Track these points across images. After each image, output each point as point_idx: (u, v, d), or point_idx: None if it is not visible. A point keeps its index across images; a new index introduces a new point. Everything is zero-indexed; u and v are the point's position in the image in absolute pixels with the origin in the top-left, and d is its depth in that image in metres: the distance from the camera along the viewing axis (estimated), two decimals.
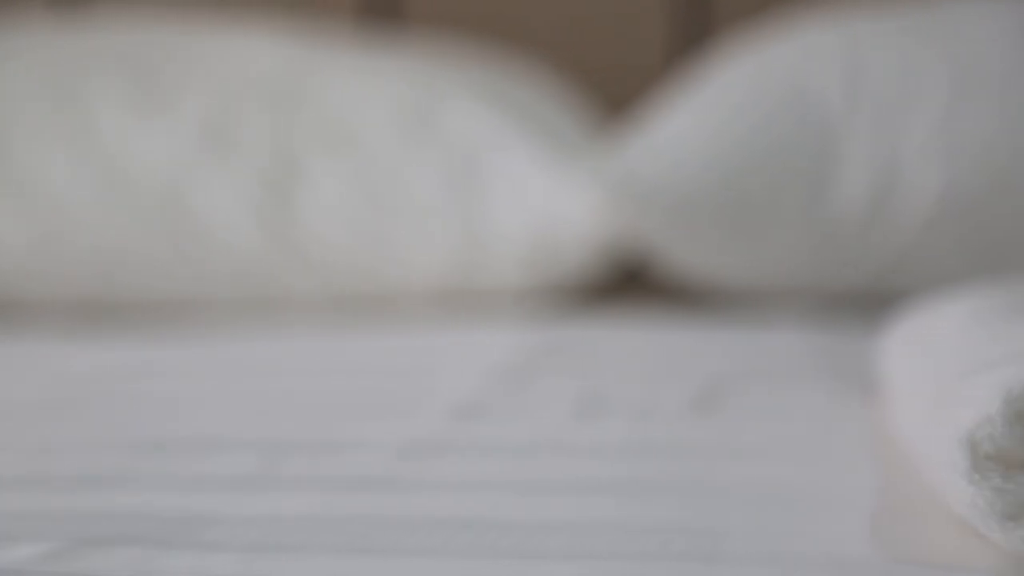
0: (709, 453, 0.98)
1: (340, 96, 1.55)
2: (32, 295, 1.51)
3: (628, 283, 1.57)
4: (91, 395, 1.15)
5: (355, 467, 0.94)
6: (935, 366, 0.87)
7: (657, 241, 1.46)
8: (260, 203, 1.48)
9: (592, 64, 1.80)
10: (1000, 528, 0.73)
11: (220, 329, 1.41)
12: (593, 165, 1.48)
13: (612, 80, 1.78)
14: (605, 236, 1.48)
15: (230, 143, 1.50)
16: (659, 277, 1.54)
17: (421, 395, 1.14)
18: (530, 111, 1.58)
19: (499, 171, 1.50)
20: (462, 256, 1.48)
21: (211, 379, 1.19)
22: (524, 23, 1.83)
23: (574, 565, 0.74)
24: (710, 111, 1.50)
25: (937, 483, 0.79)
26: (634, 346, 1.31)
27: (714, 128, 1.48)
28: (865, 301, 1.43)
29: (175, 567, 0.73)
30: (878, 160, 1.44)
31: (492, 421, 1.07)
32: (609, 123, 1.67)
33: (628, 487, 0.90)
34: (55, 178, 1.49)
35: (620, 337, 1.34)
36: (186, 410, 1.09)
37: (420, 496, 0.88)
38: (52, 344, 1.35)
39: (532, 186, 1.49)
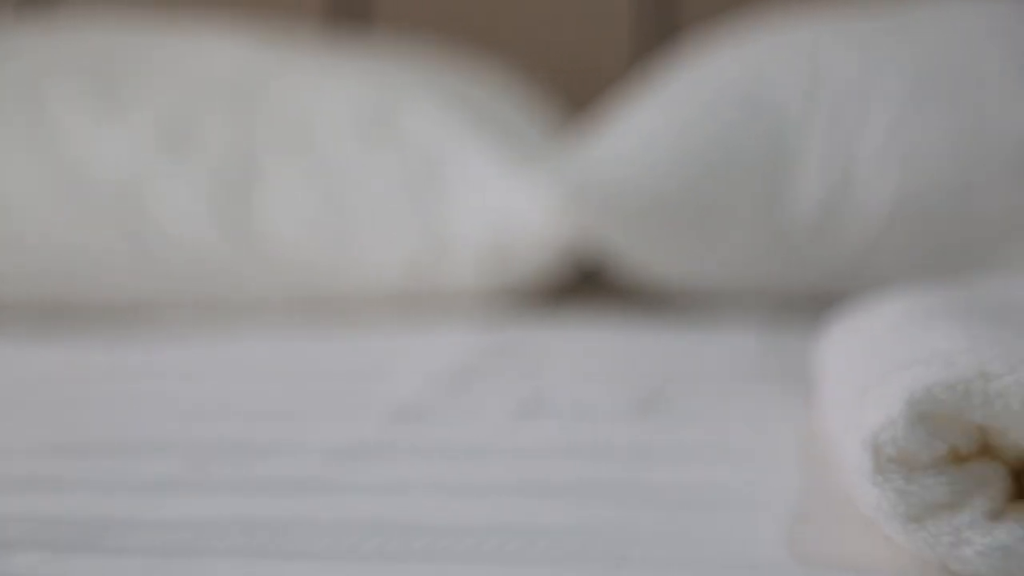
0: (645, 455, 0.98)
1: (300, 97, 1.55)
2: None
3: (587, 284, 1.57)
4: (24, 398, 1.15)
5: (281, 470, 0.94)
6: (855, 369, 0.87)
7: (614, 243, 1.46)
8: (218, 204, 1.48)
9: (559, 63, 1.81)
10: (903, 530, 0.73)
11: (176, 330, 1.41)
12: (551, 167, 1.48)
13: (579, 79, 1.78)
14: (563, 238, 1.48)
15: (189, 144, 1.50)
16: (617, 279, 1.54)
17: (363, 397, 1.14)
18: (490, 113, 1.58)
19: (457, 173, 1.50)
20: (420, 257, 1.48)
21: (149, 382, 1.19)
22: (492, 24, 1.83)
23: (475, 568, 0.75)
24: (668, 114, 1.50)
25: (849, 485, 0.79)
26: (584, 348, 1.31)
27: (671, 131, 1.48)
28: (821, 303, 1.43)
29: (72, 572, 0.73)
30: (834, 164, 1.44)
31: (431, 423, 1.07)
32: (575, 122, 1.67)
33: (555, 489, 0.90)
34: (13, 179, 1.50)
35: (571, 339, 1.35)
36: (119, 413, 1.09)
37: (342, 499, 0.88)
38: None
39: (490, 188, 1.49)
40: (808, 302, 1.43)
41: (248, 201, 1.49)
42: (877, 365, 0.84)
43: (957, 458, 0.74)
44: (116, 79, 1.56)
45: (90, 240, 1.49)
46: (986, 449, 0.74)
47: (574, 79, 1.78)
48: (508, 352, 1.28)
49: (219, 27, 1.69)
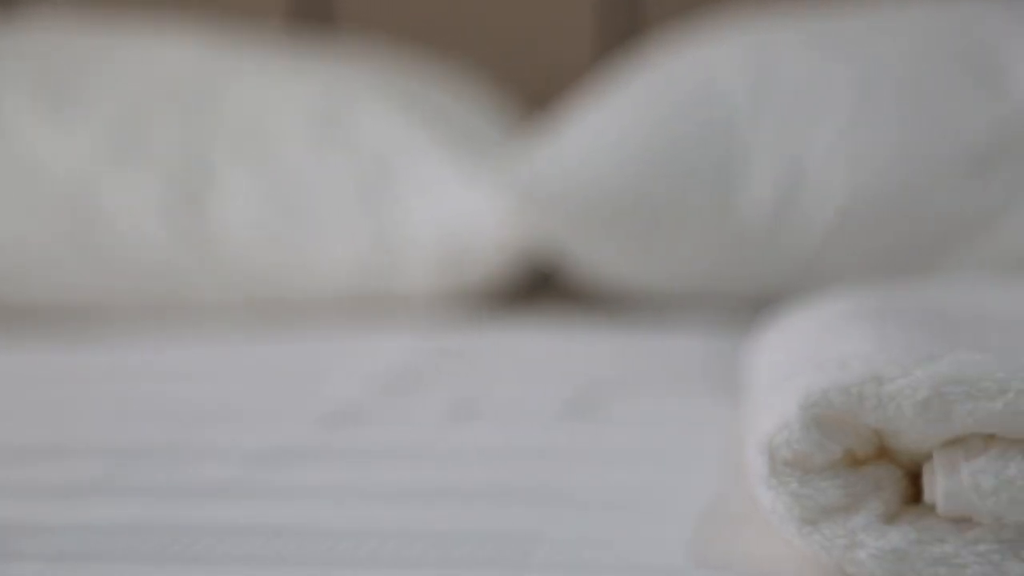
0: (569, 458, 0.98)
1: (253, 100, 1.55)
2: None
3: (543, 287, 1.58)
4: None
5: (200, 474, 0.94)
6: (771, 371, 0.88)
7: (566, 246, 1.47)
8: (170, 207, 1.48)
9: (524, 63, 1.81)
10: (798, 532, 0.74)
11: (126, 332, 1.41)
12: (504, 169, 1.49)
13: (543, 79, 1.78)
14: (516, 240, 1.48)
15: (141, 146, 1.51)
16: (572, 282, 1.54)
17: (298, 400, 1.14)
18: (445, 114, 1.58)
19: (410, 175, 1.50)
20: (373, 260, 1.49)
21: (80, 385, 1.19)
22: (456, 24, 1.84)
23: (362, 572, 0.75)
24: (619, 115, 1.50)
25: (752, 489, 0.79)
26: (529, 351, 1.31)
27: (622, 132, 1.48)
28: (773, 304, 1.43)
29: None
30: (784, 165, 1.44)
31: (362, 427, 1.07)
32: (533, 123, 1.67)
33: (474, 493, 0.90)
34: None
35: (517, 342, 1.35)
36: (45, 416, 1.09)
37: (256, 504, 0.88)
38: None
39: (443, 190, 1.49)
40: (760, 304, 1.44)
41: (200, 204, 1.49)
42: (786, 368, 0.84)
43: (853, 461, 0.74)
44: (69, 81, 1.56)
45: (42, 242, 1.49)
46: (883, 452, 0.75)
47: (539, 79, 1.79)
48: (451, 355, 1.29)
49: (175, 29, 1.69)
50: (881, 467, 0.74)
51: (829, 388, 0.73)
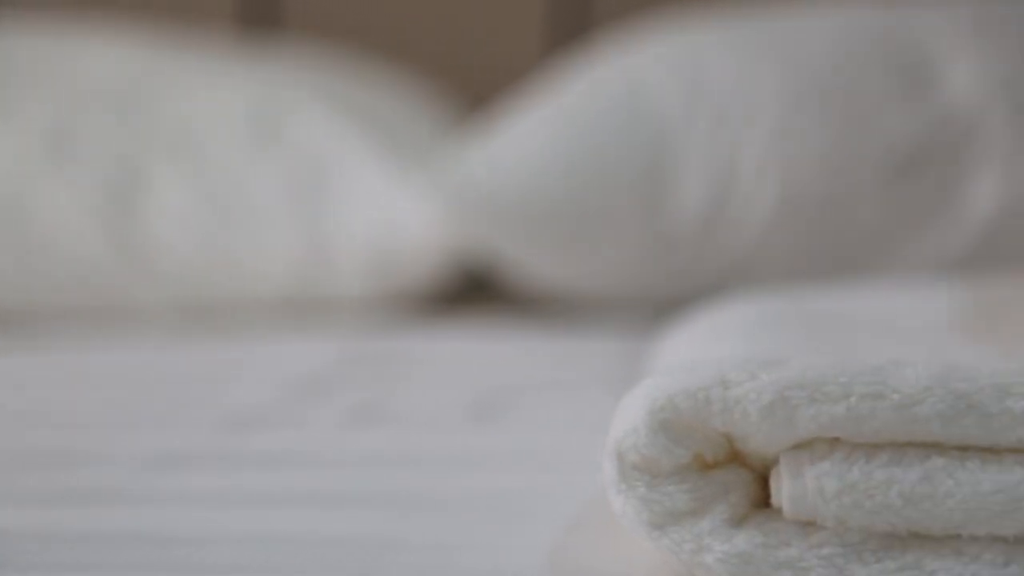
0: (457, 464, 0.99)
1: (188, 103, 1.56)
2: None
3: (477, 291, 1.58)
4: None
5: (90, 480, 0.94)
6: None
7: (497, 249, 1.47)
8: (104, 212, 1.49)
9: (472, 65, 1.82)
10: (648, 537, 0.74)
11: (56, 336, 1.42)
12: (435, 172, 1.50)
13: (492, 79, 1.79)
14: (447, 243, 1.49)
15: (74, 150, 1.52)
16: (504, 285, 1.55)
17: (204, 405, 1.15)
18: (382, 117, 1.59)
19: (344, 179, 1.51)
20: (305, 264, 1.49)
21: None
22: (404, 26, 1.84)
23: None
24: (550, 118, 1.51)
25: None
26: (448, 355, 1.32)
27: (552, 136, 1.49)
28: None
29: None
30: (715, 170, 1.45)
31: (264, 431, 1.07)
32: (469, 125, 1.68)
33: (352, 498, 0.90)
34: None
35: (439, 346, 1.35)
36: None
37: (138, 510, 0.89)
38: None
39: (376, 194, 1.50)
40: (691, 308, 1.44)
41: (133, 208, 1.50)
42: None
43: (703, 465, 0.75)
44: (2, 83, 1.57)
45: None
46: (734, 455, 0.75)
47: (488, 79, 1.79)
48: (369, 360, 1.29)
49: (114, 32, 1.70)
50: (731, 471, 0.75)
51: (676, 393, 0.73)
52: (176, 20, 1.82)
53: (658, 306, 1.45)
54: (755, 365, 0.73)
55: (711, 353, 0.84)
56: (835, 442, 0.73)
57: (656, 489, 0.74)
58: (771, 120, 1.46)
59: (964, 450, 0.72)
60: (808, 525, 0.73)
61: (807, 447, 0.73)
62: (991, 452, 0.72)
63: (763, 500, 0.75)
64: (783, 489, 0.73)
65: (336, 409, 1.12)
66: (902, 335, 0.93)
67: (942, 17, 1.52)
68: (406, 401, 1.15)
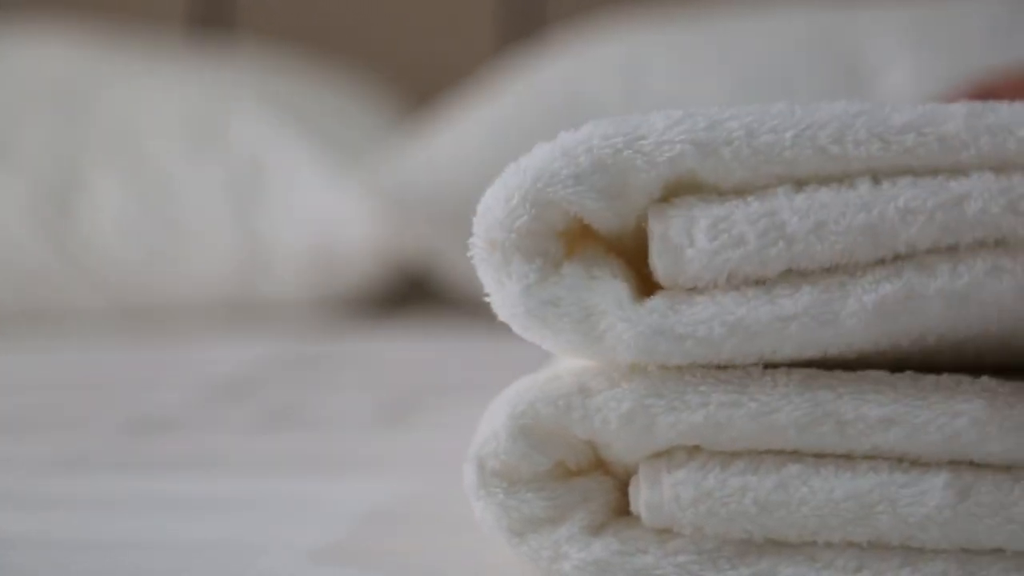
0: (365, 467, 0.98)
1: (127, 104, 1.56)
2: None
3: (416, 293, 1.59)
4: None
5: None
6: None
7: (434, 250, 1.48)
8: (41, 213, 1.49)
9: (424, 64, 1.82)
10: (508, 543, 0.74)
11: None
12: (372, 172, 1.50)
13: (444, 78, 1.79)
14: (385, 245, 1.49)
15: (10, 151, 1.52)
16: (444, 286, 1.55)
17: (117, 408, 1.14)
18: (323, 118, 1.59)
19: (281, 181, 1.51)
20: (242, 267, 1.50)
21: None
22: (356, 26, 1.84)
23: None
24: (490, 120, 1.51)
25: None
26: (373, 357, 1.32)
27: (491, 138, 1.49)
28: None
29: None
30: None
31: (172, 435, 1.07)
32: (412, 125, 1.68)
33: (241, 502, 0.90)
34: None
35: (367, 349, 1.36)
36: None
37: (28, 513, 0.88)
38: None
39: (314, 195, 1.50)
40: None
41: (69, 210, 1.50)
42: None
43: (565, 472, 0.74)
44: None
45: None
46: (599, 463, 0.75)
47: (439, 78, 1.80)
48: (295, 363, 1.29)
49: (57, 32, 1.70)
50: (592, 478, 0.74)
51: (536, 399, 0.73)
52: (127, 21, 1.82)
53: None
54: (617, 373, 0.73)
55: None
56: (694, 450, 0.72)
57: (514, 496, 0.73)
58: None
59: (821, 457, 0.72)
60: (666, 532, 0.73)
61: (666, 455, 0.73)
62: (846, 459, 0.71)
63: (626, 507, 0.75)
64: (641, 497, 0.72)
65: (249, 413, 1.12)
66: None
67: (880, 19, 1.52)
68: (321, 404, 1.15)
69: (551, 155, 0.70)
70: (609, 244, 0.73)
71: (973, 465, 0.70)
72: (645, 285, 0.72)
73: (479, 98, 1.56)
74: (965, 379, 0.70)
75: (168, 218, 1.49)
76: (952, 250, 0.67)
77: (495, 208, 0.71)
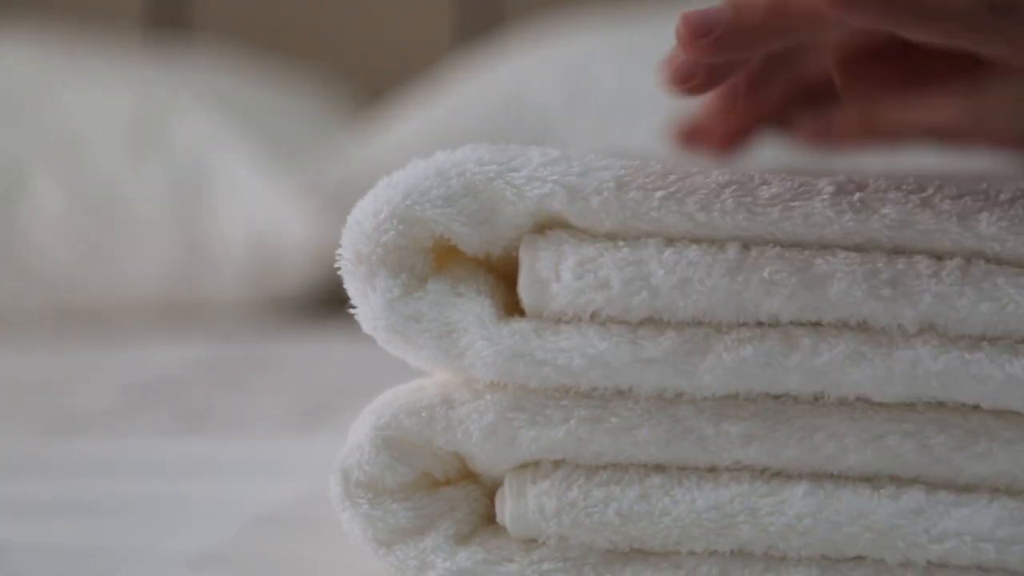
0: (272, 470, 0.98)
1: (72, 107, 1.56)
2: None
3: None
4: None
5: None
6: None
7: None
8: None
9: (381, 64, 1.81)
10: (375, 554, 0.73)
11: None
12: (312, 172, 1.49)
13: (402, 75, 1.79)
14: (325, 245, 1.48)
15: None
16: None
17: (36, 410, 1.13)
18: (268, 118, 1.58)
19: (222, 181, 1.50)
20: (183, 268, 1.49)
21: None
22: (314, 25, 1.84)
23: None
24: (433, 120, 1.50)
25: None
26: (306, 359, 1.31)
27: (429, 137, 1.48)
28: None
29: None
30: None
31: (86, 438, 1.05)
32: (357, 124, 1.67)
33: (134, 506, 0.88)
34: None
35: (302, 350, 1.35)
36: None
37: None
38: None
39: (255, 195, 1.49)
40: None
41: (9, 210, 1.49)
42: None
43: (432, 482, 0.73)
44: None
45: None
46: (467, 473, 0.74)
47: (398, 76, 1.79)
48: (225, 364, 1.28)
49: (4, 34, 1.70)
50: (459, 487, 0.73)
51: (400, 410, 0.72)
52: (84, 22, 1.82)
53: None
54: (480, 384, 0.72)
55: None
56: (560, 461, 0.72)
57: (380, 507, 0.72)
58: (653, 121, 1.45)
59: (684, 469, 0.71)
60: (532, 541, 0.72)
61: (531, 466, 0.72)
62: (709, 470, 0.71)
63: (494, 514, 0.74)
64: (506, 509, 0.72)
65: (166, 415, 1.11)
66: None
67: None
68: (243, 407, 1.14)
69: (424, 173, 0.70)
70: (478, 262, 0.72)
71: (834, 476, 0.69)
72: (516, 304, 0.71)
73: (425, 96, 1.55)
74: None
75: (108, 219, 1.48)
76: (817, 324, 0.67)
77: (363, 221, 0.70)
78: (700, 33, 0.69)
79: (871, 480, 0.69)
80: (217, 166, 1.50)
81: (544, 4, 1.77)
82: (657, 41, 1.53)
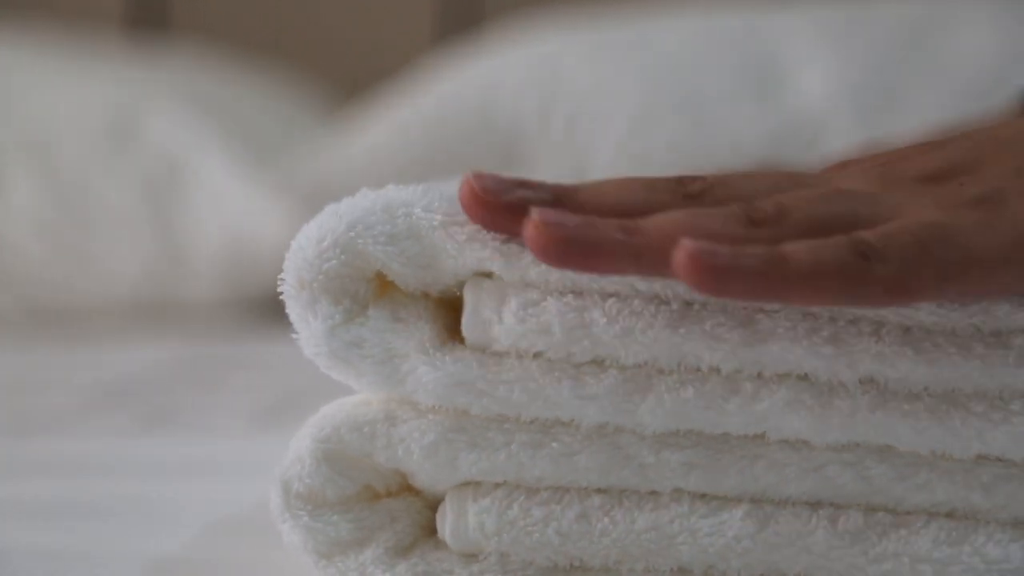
0: (229, 472, 0.97)
1: (48, 103, 1.55)
2: None
3: None
4: None
5: None
6: None
7: None
8: None
9: (363, 59, 1.81)
10: (316, 566, 0.73)
11: None
12: (288, 172, 1.48)
13: (383, 73, 1.78)
14: None
15: None
16: None
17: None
18: (245, 117, 1.58)
19: (198, 180, 1.49)
20: (158, 267, 1.48)
21: None
22: (293, 22, 1.83)
23: None
24: (407, 120, 1.50)
25: None
26: (275, 360, 1.29)
27: (402, 139, 1.48)
28: None
29: None
30: (566, 171, 1.44)
31: (46, 439, 1.05)
32: (336, 123, 1.66)
33: (84, 508, 0.87)
34: None
35: (272, 351, 1.32)
36: None
37: None
38: None
39: (231, 194, 1.48)
40: None
41: None
42: None
43: (374, 495, 0.72)
44: None
45: None
46: (408, 486, 0.74)
47: (378, 75, 1.78)
48: (194, 365, 1.28)
49: None
50: (400, 500, 0.72)
51: (342, 424, 0.71)
52: (63, 21, 1.81)
53: None
54: (425, 407, 0.71)
55: None
56: (501, 481, 0.71)
57: (320, 519, 0.71)
58: (623, 125, 1.45)
59: (625, 490, 0.70)
60: (473, 555, 0.71)
61: (472, 484, 0.71)
62: (651, 493, 0.70)
63: (435, 526, 0.73)
64: (446, 525, 0.71)
65: (128, 416, 1.10)
66: None
67: (795, 20, 1.51)
68: (206, 407, 1.13)
69: (372, 207, 0.69)
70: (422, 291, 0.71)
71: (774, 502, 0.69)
72: (459, 328, 0.70)
73: (401, 97, 1.54)
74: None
75: (82, 217, 1.47)
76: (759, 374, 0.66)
77: (307, 247, 0.69)
78: (487, 204, 0.64)
79: (811, 503, 0.69)
80: (193, 165, 1.50)
81: (525, 3, 1.76)
82: (627, 43, 1.53)
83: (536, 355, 0.67)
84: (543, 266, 0.66)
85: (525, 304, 0.67)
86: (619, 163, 1.43)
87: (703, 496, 0.69)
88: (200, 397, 1.17)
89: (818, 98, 1.44)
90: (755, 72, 1.46)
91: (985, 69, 1.47)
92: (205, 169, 1.49)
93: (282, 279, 0.69)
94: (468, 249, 0.67)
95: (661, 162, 1.43)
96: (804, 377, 0.66)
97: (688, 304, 0.67)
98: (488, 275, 0.68)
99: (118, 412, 1.12)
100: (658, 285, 0.66)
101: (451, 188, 0.69)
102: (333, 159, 1.47)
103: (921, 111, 1.43)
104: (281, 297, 0.71)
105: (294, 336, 0.70)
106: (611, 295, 0.67)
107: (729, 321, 0.66)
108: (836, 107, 1.44)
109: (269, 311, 1.49)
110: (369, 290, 0.69)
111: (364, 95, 1.74)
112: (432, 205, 0.68)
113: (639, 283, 0.66)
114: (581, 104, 1.46)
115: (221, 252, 1.47)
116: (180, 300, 1.49)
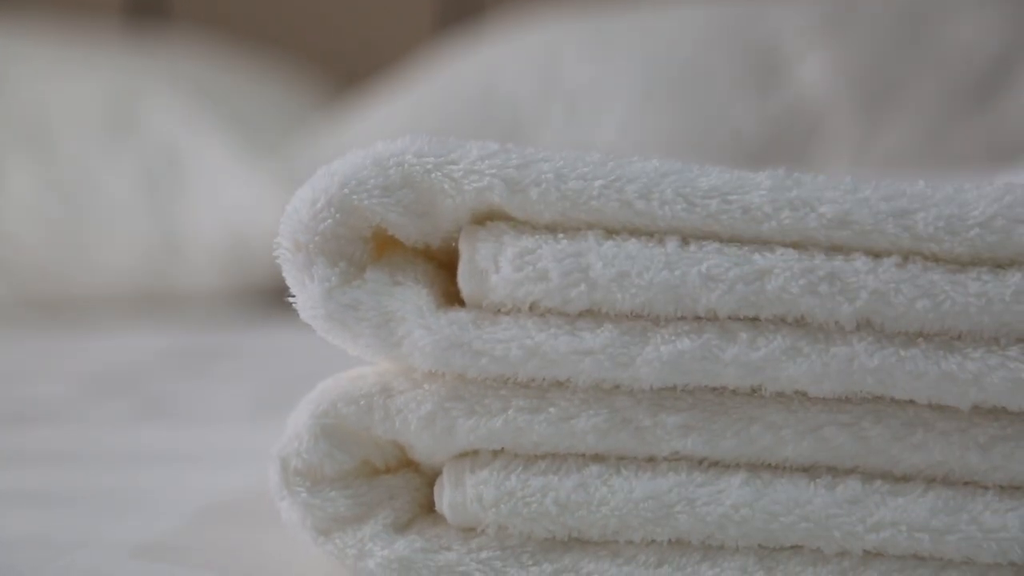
0: (223, 460, 0.96)
1: (48, 92, 1.54)
2: None
3: None
4: None
5: None
6: None
7: None
8: None
9: (364, 47, 1.80)
10: (314, 542, 0.72)
11: None
12: (285, 159, 1.47)
13: (383, 61, 1.77)
14: None
15: None
16: None
17: None
18: (244, 107, 1.57)
19: (197, 169, 1.48)
20: (156, 257, 1.47)
21: None
22: (294, 11, 1.82)
23: None
24: (406, 109, 1.49)
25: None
26: (271, 349, 1.29)
27: (401, 126, 1.46)
28: None
29: None
30: None
31: (43, 427, 1.04)
32: (334, 111, 1.66)
33: (77, 496, 0.86)
34: None
35: (268, 340, 1.33)
36: None
37: None
38: None
39: (229, 183, 1.48)
40: None
41: None
42: None
43: (371, 471, 0.72)
44: None
45: None
46: (408, 461, 0.73)
47: (379, 64, 1.78)
48: (191, 354, 1.27)
49: None
50: (398, 476, 0.72)
51: (339, 398, 0.71)
52: (62, 10, 1.80)
53: None
54: (418, 373, 0.70)
55: None
56: (499, 450, 0.70)
57: (318, 495, 0.71)
58: (622, 111, 1.44)
59: (622, 459, 0.70)
60: (471, 529, 0.71)
61: (470, 455, 0.71)
62: (648, 460, 0.69)
63: (434, 503, 0.73)
64: (444, 497, 0.70)
65: (126, 405, 1.10)
66: None
67: (795, 12, 1.50)
68: (201, 396, 1.13)
69: (362, 163, 0.68)
70: (418, 251, 0.71)
71: (771, 466, 0.68)
72: (456, 293, 0.70)
73: (400, 85, 1.54)
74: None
75: (81, 208, 1.46)
76: (755, 319, 0.66)
77: (301, 210, 0.69)
78: None
79: (808, 471, 0.68)
80: (191, 153, 1.49)
81: None
82: (628, 32, 1.53)
83: (532, 307, 0.67)
84: (545, 186, 0.66)
85: (521, 252, 0.67)
86: (619, 148, 1.42)
87: (700, 463, 0.68)
88: (196, 386, 1.16)
89: (817, 87, 1.43)
90: (755, 61, 1.45)
91: (985, 59, 1.46)
92: (203, 159, 1.48)
93: (278, 243, 0.68)
94: (466, 183, 0.67)
95: (658, 146, 1.42)
96: (802, 323, 0.66)
97: (684, 245, 0.66)
98: (485, 222, 0.68)
99: (115, 401, 1.12)
100: (655, 216, 0.65)
101: (436, 137, 0.68)
102: (334, 147, 1.46)
103: (921, 101, 1.43)
104: (280, 277, 0.70)
105: (290, 300, 0.69)
106: (607, 238, 0.66)
107: (725, 262, 0.65)
108: (835, 97, 1.43)
109: (267, 300, 1.49)
110: (366, 252, 0.69)
111: (362, 85, 1.73)
112: (423, 150, 0.67)
113: (636, 206, 0.65)
114: (581, 91, 1.45)
115: (219, 242, 1.46)
116: (178, 289, 1.48)
